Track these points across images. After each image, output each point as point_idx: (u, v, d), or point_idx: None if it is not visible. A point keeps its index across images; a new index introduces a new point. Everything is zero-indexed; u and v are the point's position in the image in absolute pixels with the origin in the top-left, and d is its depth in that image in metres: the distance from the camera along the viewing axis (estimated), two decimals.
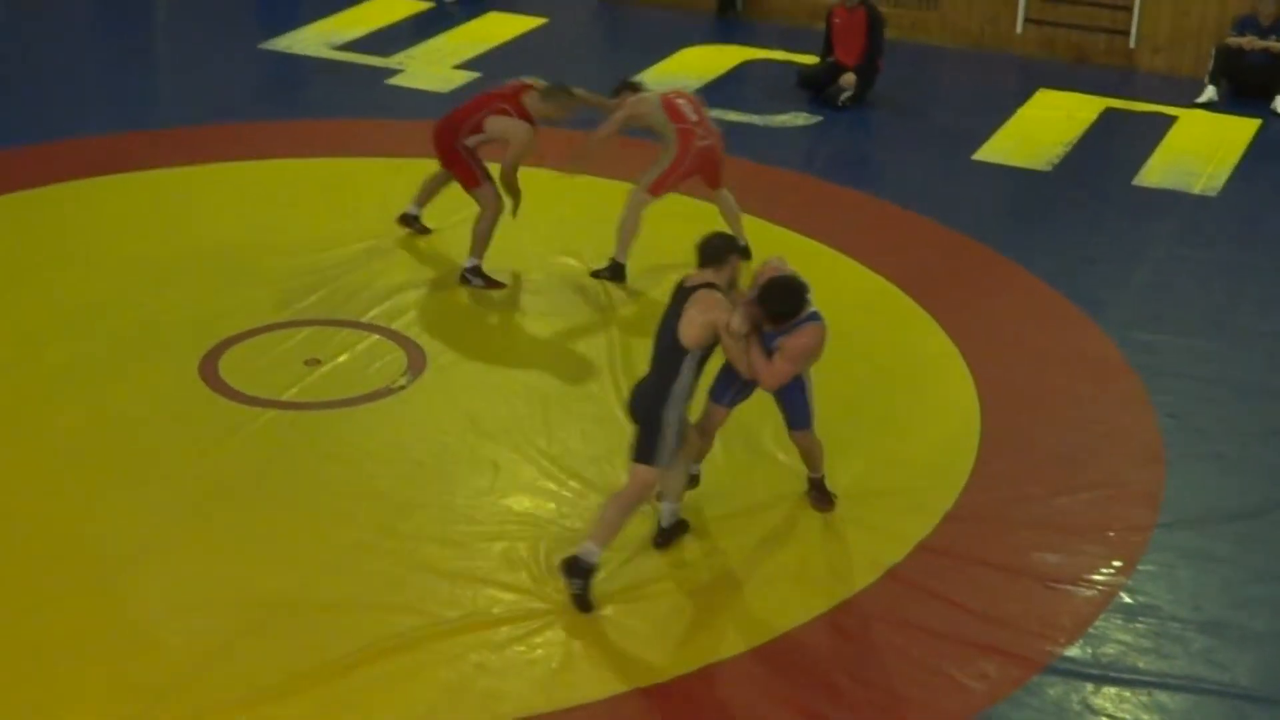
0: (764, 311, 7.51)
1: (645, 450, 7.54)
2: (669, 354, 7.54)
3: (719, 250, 7.68)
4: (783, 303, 7.52)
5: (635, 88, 10.84)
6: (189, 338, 9.63)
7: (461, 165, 10.46)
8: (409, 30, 15.70)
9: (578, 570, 7.44)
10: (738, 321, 7.46)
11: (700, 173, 10.60)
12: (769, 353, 7.59)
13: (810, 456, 8.26)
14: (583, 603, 7.43)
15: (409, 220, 11.07)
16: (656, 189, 10.52)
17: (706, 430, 8.09)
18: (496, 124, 10.34)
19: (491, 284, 10.46)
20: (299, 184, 11.83)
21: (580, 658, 7.17)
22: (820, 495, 8.31)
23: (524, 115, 10.39)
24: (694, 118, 10.52)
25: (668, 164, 10.49)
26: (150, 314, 9.94)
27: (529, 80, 10.57)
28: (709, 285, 7.59)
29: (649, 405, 7.54)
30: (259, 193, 11.72)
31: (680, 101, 10.64)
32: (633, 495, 7.57)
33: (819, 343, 7.72)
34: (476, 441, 8.75)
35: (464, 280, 10.47)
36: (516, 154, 10.43)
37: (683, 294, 7.62)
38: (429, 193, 11.02)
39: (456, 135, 10.40)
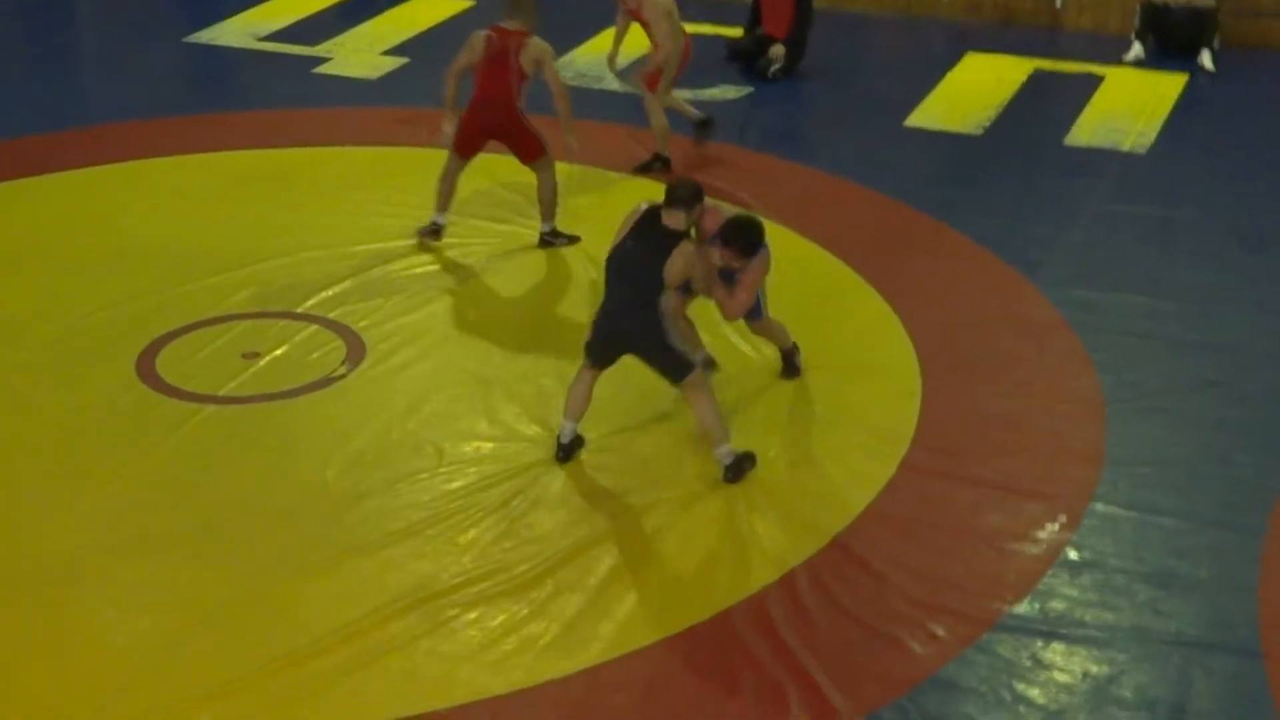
0: (735, 250, 8.16)
1: (676, 368, 8.16)
2: (650, 286, 8.02)
3: (693, 194, 8.10)
4: (749, 238, 8.19)
5: None
6: (124, 336, 9.56)
7: (524, 134, 10.50)
8: (334, 18, 15.59)
9: (740, 467, 8.20)
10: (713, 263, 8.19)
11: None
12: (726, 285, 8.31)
13: (774, 334, 9.07)
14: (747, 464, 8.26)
15: (434, 231, 10.72)
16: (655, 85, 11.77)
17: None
18: (528, 53, 10.37)
19: (571, 239, 10.79)
20: (229, 176, 11.74)
21: (531, 639, 7.17)
22: (789, 367, 9.16)
23: (527, 34, 10.43)
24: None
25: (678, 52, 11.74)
26: (84, 314, 9.85)
27: (496, 26, 10.52)
28: (684, 234, 8.09)
29: (652, 340, 8.12)
30: (189, 187, 11.62)
31: None
32: (703, 399, 8.21)
33: (768, 267, 8.46)
34: (419, 427, 8.72)
35: (545, 244, 10.74)
36: (552, 63, 10.47)
37: (654, 230, 8.06)
38: (448, 195, 10.74)
39: (513, 102, 10.38)
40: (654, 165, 11.85)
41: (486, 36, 10.48)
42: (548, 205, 10.73)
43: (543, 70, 10.43)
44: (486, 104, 10.47)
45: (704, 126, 12.19)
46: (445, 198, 10.68)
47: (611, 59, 12.42)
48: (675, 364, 8.16)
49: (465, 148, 10.60)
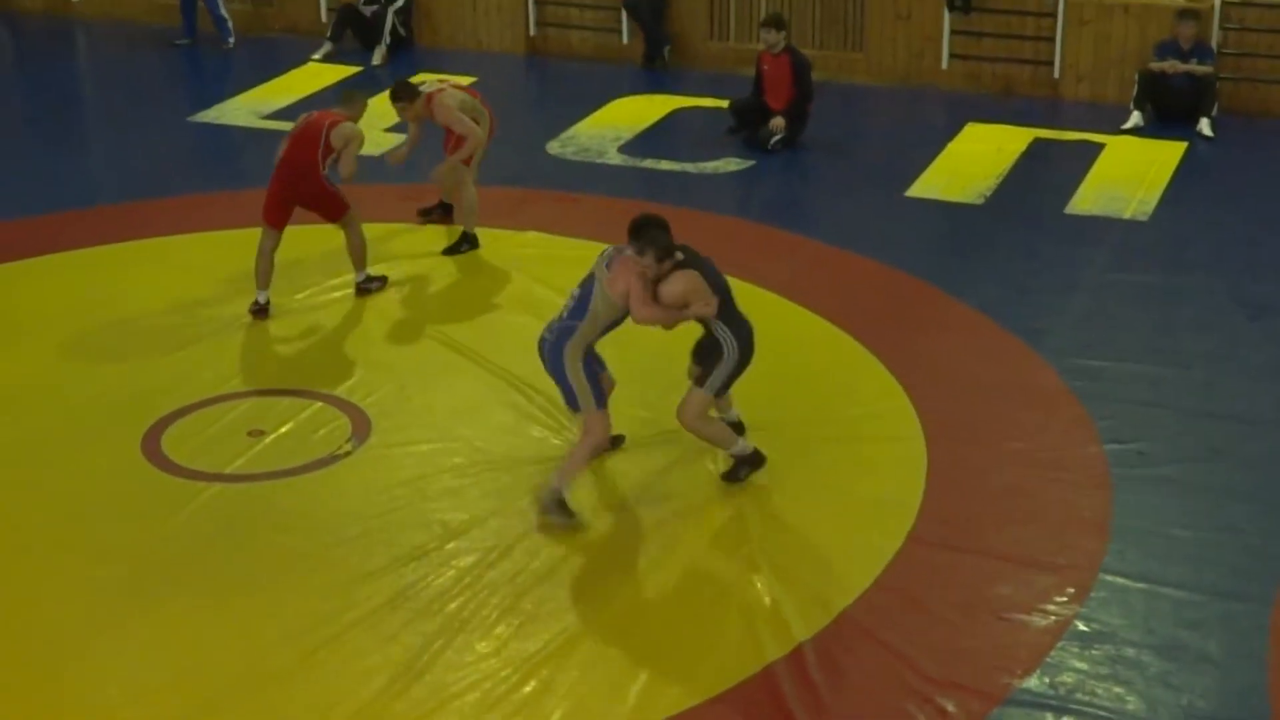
0: (653, 250, 8.30)
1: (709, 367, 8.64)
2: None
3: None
4: (655, 230, 8.34)
5: (413, 92, 11.81)
6: (130, 415, 9.57)
7: (328, 197, 10.95)
8: (337, 97, 15.64)
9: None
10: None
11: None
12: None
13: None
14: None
15: (262, 309, 10.90)
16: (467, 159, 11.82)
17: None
18: (340, 132, 10.86)
19: (383, 280, 11.27)
20: (233, 255, 11.76)
21: (539, 716, 7.13)
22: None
23: (345, 118, 11.06)
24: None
25: (485, 136, 11.84)
26: (90, 393, 9.87)
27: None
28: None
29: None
30: (195, 265, 11.67)
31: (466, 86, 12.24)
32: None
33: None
34: (424, 504, 8.71)
35: (362, 292, 11.16)
36: (358, 146, 10.93)
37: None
38: (267, 272, 10.95)
39: (317, 169, 10.83)
40: (462, 247, 11.89)
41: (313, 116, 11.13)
42: (358, 257, 11.17)
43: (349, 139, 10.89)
44: (289, 175, 10.91)
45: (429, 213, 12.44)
46: (265, 275, 10.94)
47: (398, 158, 12.08)
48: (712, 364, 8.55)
49: (273, 217, 10.97)
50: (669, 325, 8.68)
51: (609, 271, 8.41)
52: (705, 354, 8.73)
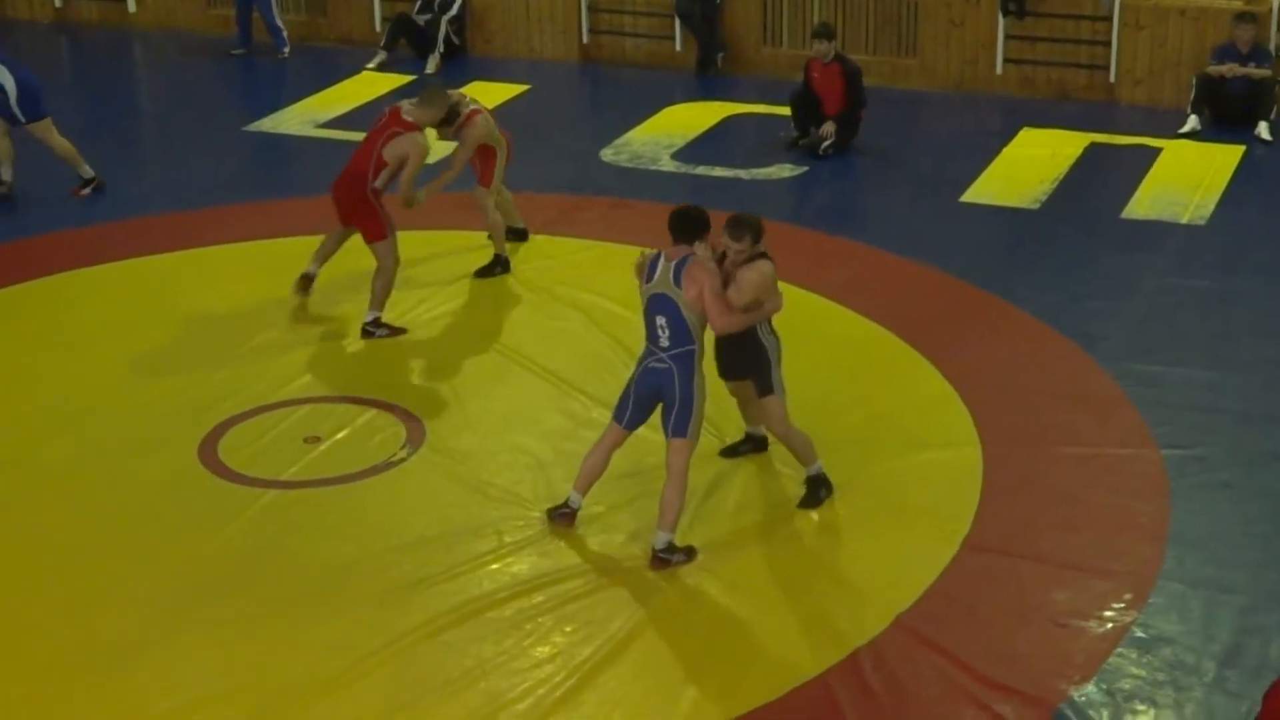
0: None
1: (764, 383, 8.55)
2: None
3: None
4: (689, 218, 8.24)
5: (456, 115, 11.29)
6: (187, 422, 9.63)
7: (370, 215, 10.63)
8: (391, 104, 15.71)
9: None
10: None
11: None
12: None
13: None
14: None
15: (307, 281, 11.07)
16: (489, 181, 11.51)
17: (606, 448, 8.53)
18: (395, 148, 10.58)
19: (394, 331, 10.69)
20: (289, 263, 11.82)
21: None
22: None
23: (411, 128, 10.68)
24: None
25: (502, 160, 11.48)
26: (147, 401, 9.93)
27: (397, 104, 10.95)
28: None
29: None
30: (251, 274, 11.73)
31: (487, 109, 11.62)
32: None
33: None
34: (480, 510, 8.73)
35: (366, 334, 10.66)
36: (417, 163, 10.67)
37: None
38: (324, 249, 11.08)
39: (366, 180, 10.56)
40: (495, 270, 11.62)
41: (386, 111, 10.91)
42: (377, 291, 10.68)
43: (403, 155, 10.60)
44: (343, 179, 10.75)
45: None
46: (321, 251, 11.01)
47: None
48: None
49: (339, 215, 10.83)
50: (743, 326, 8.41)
51: (681, 287, 8.08)
52: (742, 364, 8.58)
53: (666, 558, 8.15)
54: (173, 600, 8.03)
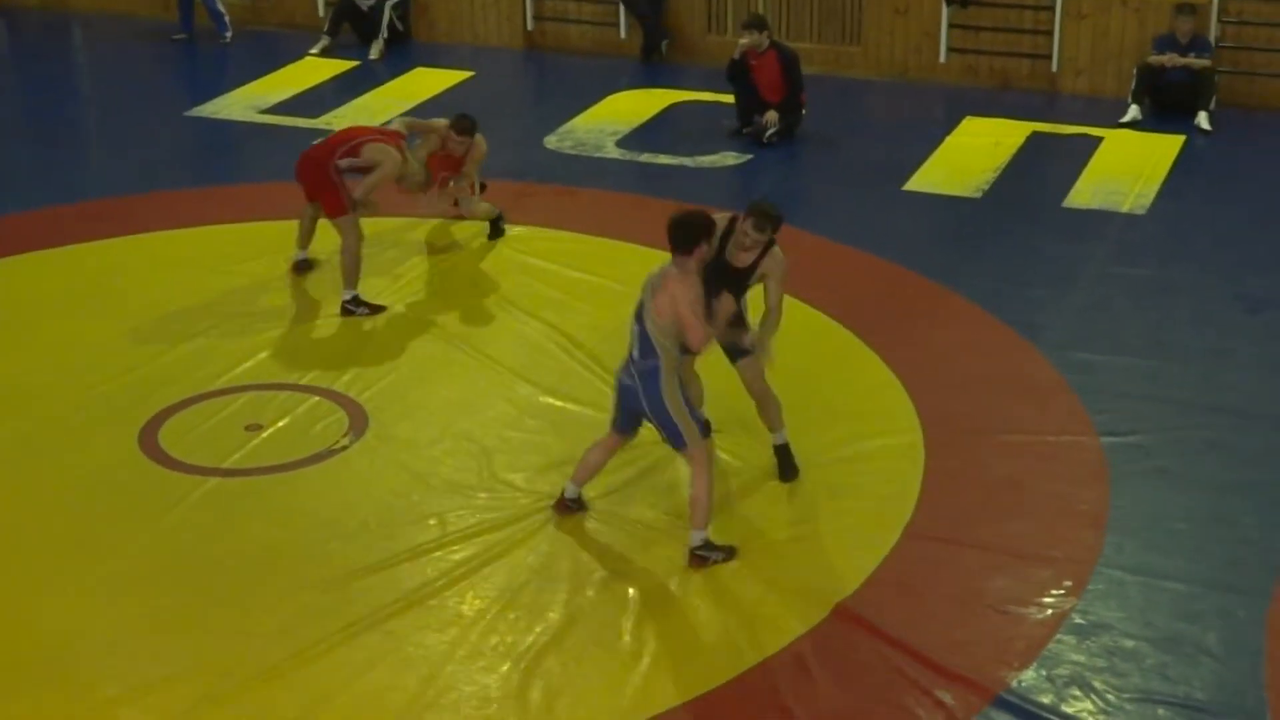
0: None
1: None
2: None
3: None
4: (688, 227, 8.02)
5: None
6: (127, 410, 9.56)
7: (331, 191, 10.77)
8: (335, 90, 15.69)
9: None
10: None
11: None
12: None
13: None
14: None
15: (302, 266, 11.32)
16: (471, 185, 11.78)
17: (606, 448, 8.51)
18: (373, 150, 10.75)
19: (374, 309, 10.78)
20: (230, 249, 11.78)
21: (536, 713, 7.13)
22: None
23: (397, 139, 11.01)
24: None
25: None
26: (87, 388, 9.86)
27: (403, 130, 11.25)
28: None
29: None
30: (193, 260, 11.66)
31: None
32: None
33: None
34: (423, 498, 8.72)
35: (346, 312, 10.73)
36: (382, 176, 10.78)
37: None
38: (307, 233, 11.30)
39: (332, 157, 10.73)
40: (500, 225, 11.96)
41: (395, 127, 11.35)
42: (347, 269, 10.77)
43: (375, 161, 10.77)
44: (311, 153, 10.99)
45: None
46: (302, 236, 11.29)
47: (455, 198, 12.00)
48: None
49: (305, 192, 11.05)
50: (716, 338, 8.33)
51: (654, 300, 7.96)
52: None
53: (704, 555, 8.10)
54: (113, 587, 7.98)
